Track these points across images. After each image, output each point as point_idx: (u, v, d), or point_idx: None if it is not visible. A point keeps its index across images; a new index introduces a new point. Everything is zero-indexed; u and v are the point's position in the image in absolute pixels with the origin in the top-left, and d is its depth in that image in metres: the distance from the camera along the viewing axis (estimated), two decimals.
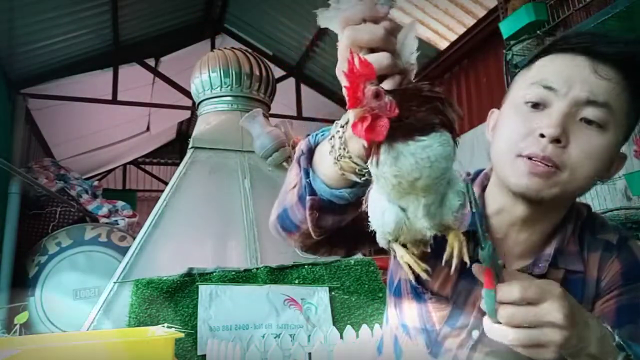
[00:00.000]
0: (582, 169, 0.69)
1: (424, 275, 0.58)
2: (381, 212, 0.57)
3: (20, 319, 1.92)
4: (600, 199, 1.97)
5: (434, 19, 4.39)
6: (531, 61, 0.78)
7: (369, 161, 0.51)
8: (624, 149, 0.79)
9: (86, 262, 3.46)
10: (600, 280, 0.78)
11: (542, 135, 0.68)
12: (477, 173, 0.91)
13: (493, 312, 0.56)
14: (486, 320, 0.60)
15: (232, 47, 3.19)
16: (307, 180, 0.64)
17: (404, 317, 0.88)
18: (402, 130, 0.48)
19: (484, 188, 0.86)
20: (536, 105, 0.72)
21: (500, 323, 0.57)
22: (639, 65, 0.70)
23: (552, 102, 0.70)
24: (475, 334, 0.80)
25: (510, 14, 2.22)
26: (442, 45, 4.60)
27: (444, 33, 4.50)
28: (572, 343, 0.56)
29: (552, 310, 0.55)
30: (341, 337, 2.06)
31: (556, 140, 0.68)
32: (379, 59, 0.50)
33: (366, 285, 2.53)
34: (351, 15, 0.51)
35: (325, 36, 5.23)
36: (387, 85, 0.51)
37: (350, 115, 0.47)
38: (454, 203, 0.53)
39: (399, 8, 4.40)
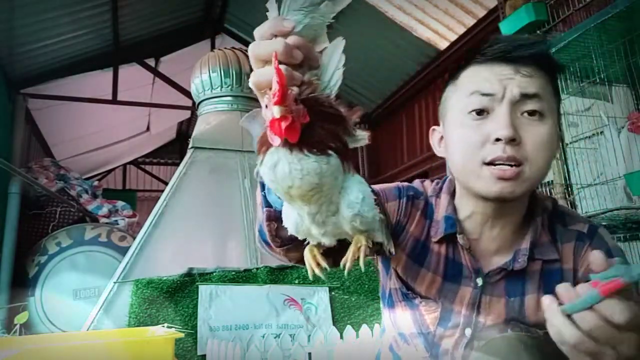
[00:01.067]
0: (540, 158, 0.75)
1: (319, 274, 0.61)
2: (285, 214, 0.61)
3: (20, 319, 1.93)
4: (600, 199, 1.97)
5: (434, 19, 4.39)
6: (454, 76, 0.83)
7: (258, 160, 0.55)
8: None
9: (86, 262, 3.46)
10: (577, 271, 0.81)
11: (498, 139, 0.73)
12: (444, 181, 0.93)
13: (578, 308, 0.54)
14: (554, 308, 0.58)
15: (232, 47, 3.19)
16: (263, 193, 0.68)
17: (400, 325, 0.90)
18: (301, 140, 0.52)
19: (452, 194, 0.89)
20: (480, 113, 0.77)
21: (570, 318, 0.55)
22: (550, 60, 0.79)
23: (494, 107, 0.76)
24: (468, 331, 0.82)
25: (510, 13, 2.22)
26: (442, 45, 4.60)
27: (444, 33, 4.50)
28: None
29: (625, 339, 0.54)
30: (341, 337, 2.06)
31: (512, 140, 0.73)
32: (268, 72, 0.52)
33: (366, 285, 2.53)
34: (260, 31, 0.53)
35: None
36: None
37: (275, 110, 0.49)
38: (346, 214, 0.56)
39: (399, 7, 4.40)
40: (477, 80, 0.78)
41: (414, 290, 0.87)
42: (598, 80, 1.97)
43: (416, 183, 0.95)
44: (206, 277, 2.34)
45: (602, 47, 1.90)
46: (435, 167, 4.81)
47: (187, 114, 7.17)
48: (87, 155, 6.77)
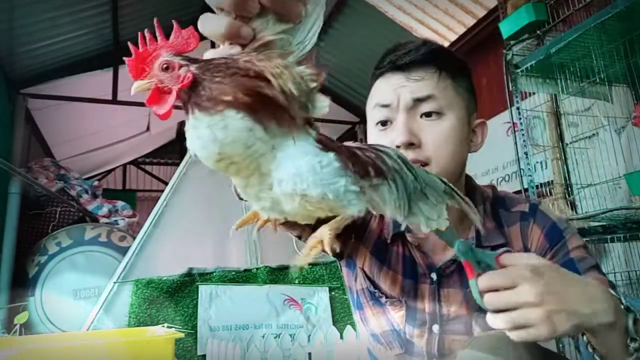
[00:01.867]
0: (443, 155, 0.79)
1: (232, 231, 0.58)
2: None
3: (20, 319, 1.93)
4: (601, 199, 1.97)
5: (434, 19, 4.39)
6: (368, 91, 0.88)
7: None
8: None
9: (86, 262, 3.45)
10: (528, 249, 0.82)
11: (398, 146, 0.78)
12: None
13: (480, 300, 0.57)
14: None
15: None
16: None
17: (372, 325, 0.91)
18: (192, 101, 0.45)
19: None
20: (385, 123, 0.82)
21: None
22: (440, 58, 0.82)
23: (393, 116, 0.81)
24: (436, 328, 0.84)
25: (510, 13, 2.22)
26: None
27: (444, 33, 4.50)
28: (561, 318, 0.55)
29: (524, 290, 0.55)
30: (341, 337, 2.06)
31: (410, 144, 0.78)
32: (216, 24, 0.49)
33: None
34: None
35: (325, 36, 5.23)
36: (227, 51, 0.48)
37: (133, 87, 0.46)
38: (279, 192, 0.47)
39: (399, 7, 4.40)
40: (376, 94, 0.84)
41: (380, 289, 0.88)
42: (598, 80, 1.97)
43: None
44: (206, 277, 2.34)
45: (602, 47, 1.90)
46: None
47: None
48: (87, 155, 6.76)
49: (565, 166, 2.32)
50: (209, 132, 0.44)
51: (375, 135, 0.84)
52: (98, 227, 3.71)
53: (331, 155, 0.48)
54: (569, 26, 1.95)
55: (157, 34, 0.47)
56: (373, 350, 0.94)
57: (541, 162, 3.03)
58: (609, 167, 1.96)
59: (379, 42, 5.00)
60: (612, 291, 0.64)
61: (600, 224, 1.84)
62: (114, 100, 5.26)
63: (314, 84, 0.47)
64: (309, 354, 1.96)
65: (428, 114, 0.80)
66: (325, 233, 0.52)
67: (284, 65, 0.46)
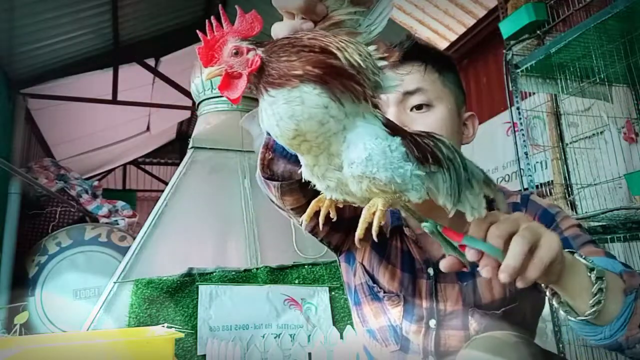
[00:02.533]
0: None
1: (304, 224, 0.58)
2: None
3: (20, 319, 1.93)
4: (601, 199, 1.97)
5: (434, 19, 4.39)
6: None
7: None
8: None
9: (86, 262, 3.45)
10: None
11: None
12: None
13: (494, 249, 0.53)
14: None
15: None
16: None
17: (369, 321, 0.92)
18: (263, 82, 0.46)
19: None
20: None
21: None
22: (425, 53, 0.84)
23: (384, 110, 0.82)
24: (433, 322, 0.84)
25: (510, 13, 2.22)
26: (442, 45, 4.60)
27: (444, 33, 4.50)
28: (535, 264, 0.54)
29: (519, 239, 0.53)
30: (341, 337, 2.06)
31: None
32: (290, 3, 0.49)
33: None
34: None
35: None
36: (298, 24, 0.49)
37: (205, 74, 0.47)
38: (348, 174, 0.47)
39: (399, 7, 4.40)
40: None
41: (379, 284, 0.89)
42: (598, 80, 1.97)
43: None
44: (206, 277, 2.34)
45: (602, 47, 1.90)
46: None
47: (187, 114, 7.17)
48: (87, 155, 6.76)
49: (565, 166, 2.32)
50: (286, 108, 0.44)
51: None
52: (98, 227, 3.71)
53: (398, 139, 0.48)
54: (569, 26, 1.95)
55: (223, 20, 0.49)
56: (369, 347, 0.95)
57: (541, 162, 3.03)
58: (609, 167, 1.96)
59: (378, 42, 4.99)
60: (606, 259, 0.66)
61: (600, 224, 1.84)
62: (114, 100, 5.27)
63: (382, 62, 0.48)
64: (309, 354, 1.96)
65: (418, 107, 0.82)
66: (378, 201, 0.50)
67: (349, 40, 0.47)
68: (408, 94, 0.81)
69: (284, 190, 0.74)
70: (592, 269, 0.58)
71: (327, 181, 0.50)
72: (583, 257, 0.60)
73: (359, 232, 0.49)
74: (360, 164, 0.46)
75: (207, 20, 0.49)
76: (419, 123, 0.81)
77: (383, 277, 0.88)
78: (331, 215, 0.55)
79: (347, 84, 0.45)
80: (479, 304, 0.82)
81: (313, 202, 0.56)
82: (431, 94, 0.82)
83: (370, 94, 0.47)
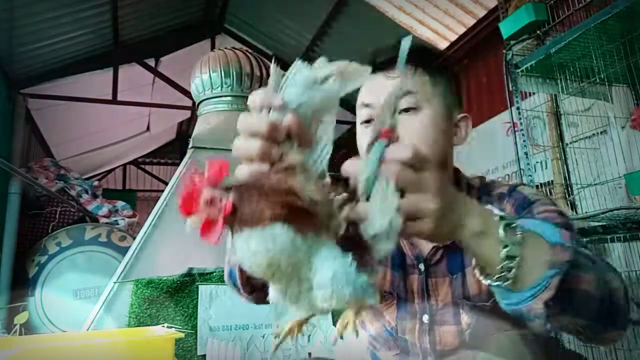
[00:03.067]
0: (424, 143, 0.81)
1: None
2: None
3: (20, 319, 1.93)
4: (601, 199, 1.97)
5: (434, 19, 4.39)
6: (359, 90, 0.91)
7: None
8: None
9: (86, 262, 3.46)
10: None
11: None
12: None
13: (374, 163, 0.54)
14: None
15: (233, 47, 3.19)
16: None
17: (367, 328, 0.93)
18: (237, 221, 0.51)
19: None
20: (368, 121, 0.86)
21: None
22: (412, 55, 0.79)
23: (374, 114, 0.83)
24: (426, 318, 0.85)
25: (511, 13, 2.22)
26: (442, 45, 4.60)
27: (444, 33, 4.50)
28: (442, 223, 0.54)
29: (429, 179, 0.54)
30: (341, 337, 2.06)
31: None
32: (248, 146, 0.54)
33: None
34: (252, 100, 0.56)
35: (325, 36, 5.23)
36: (253, 169, 0.54)
37: (187, 223, 0.51)
38: (317, 294, 0.54)
39: (399, 7, 4.40)
40: (362, 93, 0.88)
41: None
42: (598, 80, 1.97)
43: None
44: (206, 277, 2.34)
45: (602, 47, 1.90)
46: None
47: (187, 114, 7.16)
48: (87, 155, 6.76)
49: (565, 166, 2.32)
50: (260, 244, 0.50)
51: (360, 133, 0.88)
52: (98, 227, 3.71)
53: (349, 254, 0.53)
54: (569, 26, 1.95)
55: (198, 173, 0.52)
56: (374, 350, 0.95)
57: (541, 162, 3.03)
58: (609, 167, 1.96)
59: (379, 42, 4.98)
60: (546, 225, 0.64)
61: (600, 224, 1.84)
62: (114, 100, 5.27)
63: (332, 194, 0.54)
64: (309, 354, 1.97)
65: (406, 109, 0.82)
66: (350, 315, 0.58)
67: (307, 179, 0.53)
68: (397, 97, 0.82)
69: (261, 297, 0.77)
70: (509, 229, 0.55)
71: (300, 302, 0.56)
72: (504, 218, 0.57)
73: (335, 341, 0.57)
74: (327, 284, 0.52)
75: (189, 176, 0.52)
76: (405, 124, 0.81)
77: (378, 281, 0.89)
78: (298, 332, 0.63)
79: (310, 221, 0.51)
80: (468, 295, 0.83)
81: (286, 327, 0.64)
82: (420, 96, 0.83)
83: (328, 222, 0.53)
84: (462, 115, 0.90)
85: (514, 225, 0.56)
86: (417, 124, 0.82)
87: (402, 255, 0.89)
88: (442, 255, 0.85)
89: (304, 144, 0.55)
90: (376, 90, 0.85)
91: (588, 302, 0.59)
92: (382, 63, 0.85)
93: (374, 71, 0.84)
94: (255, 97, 0.55)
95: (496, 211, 0.59)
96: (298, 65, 0.55)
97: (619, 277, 0.65)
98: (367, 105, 0.86)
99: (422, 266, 0.86)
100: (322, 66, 0.56)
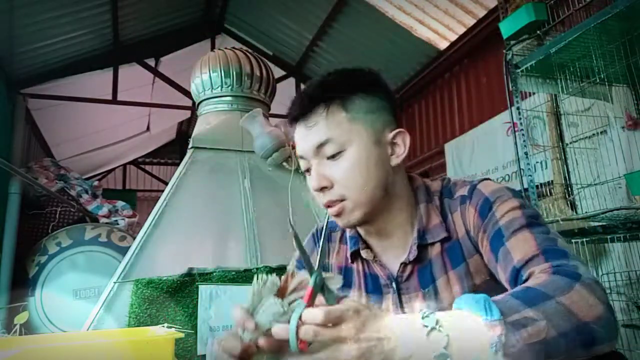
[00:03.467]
0: (353, 186, 0.81)
1: None
2: None
3: (20, 319, 1.92)
4: (601, 199, 1.97)
5: (434, 19, 4.39)
6: None
7: None
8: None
9: (86, 262, 3.46)
10: (469, 232, 0.82)
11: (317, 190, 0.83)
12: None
13: (294, 336, 0.57)
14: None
15: (233, 47, 3.19)
16: None
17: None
18: None
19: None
20: (308, 171, 0.86)
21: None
22: (328, 90, 0.84)
23: (309, 165, 0.85)
24: None
25: (511, 13, 2.22)
26: (442, 45, 4.60)
27: (444, 33, 4.50)
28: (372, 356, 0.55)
29: (346, 328, 0.55)
30: None
31: (322, 188, 0.82)
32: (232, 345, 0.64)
33: None
34: (227, 341, 0.65)
35: (325, 36, 5.23)
36: None
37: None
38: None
39: (399, 7, 4.40)
40: (296, 145, 0.87)
41: None
42: (598, 80, 1.97)
43: None
44: (206, 277, 2.34)
45: (602, 47, 1.90)
46: (435, 167, 4.82)
47: (187, 114, 7.17)
48: (87, 155, 6.77)
49: (565, 166, 2.32)
50: None
51: (307, 178, 0.87)
52: (98, 227, 3.71)
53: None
54: (569, 26, 1.95)
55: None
56: None
57: (541, 162, 3.04)
58: (609, 167, 1.96)
59: (379, 42, 5.00)
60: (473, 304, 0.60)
61: (600, 224, 1.84)
62: (114, 100, 5.27)
63: None
64: None
65: (331, 156, 0.82)
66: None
67: None
68: (319, 146, 0.82)
69: None
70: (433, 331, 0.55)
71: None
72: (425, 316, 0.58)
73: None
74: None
75: None
76: (335, 171, 0.81)
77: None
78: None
79: None
80: (443, 307, 0.82)
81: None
82: (340, 139, 0.81)
83: None
84: (396, 131, 0.86)
85: (439, 328, 0.56)
86: (344, 167, 0.81)
87: (375, 277, 0.90)
88: (412, 271, 0.86)
89: (276, 355, 0.63)
90: (301, 142, 0.85)
91: (550, 346, 0.57)
92: (300, 114, 0.84)
93: (296, 121, 0.85)
94: (237, 315, 0.63)
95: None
96: (270, 302, 0.63)
97: (591, 289, 0.62)
98: (302, 157, 0.86)
99: (394, 284, 0.87)
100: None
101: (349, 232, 0.95)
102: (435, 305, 0.81)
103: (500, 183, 0.86)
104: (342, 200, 0.82)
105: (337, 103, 0.82)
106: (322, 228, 0.98)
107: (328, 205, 0.83)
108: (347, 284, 0.94)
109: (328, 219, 0.90)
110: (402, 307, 0.87)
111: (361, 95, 0.84)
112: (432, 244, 0.84)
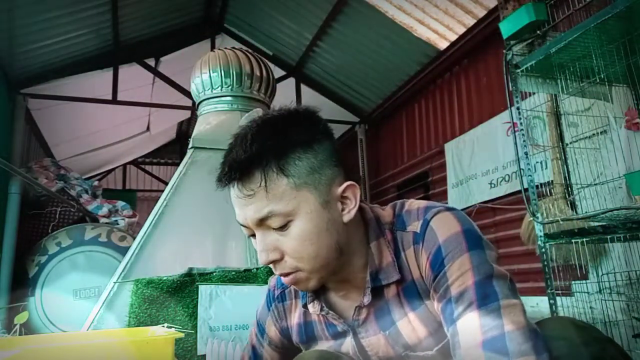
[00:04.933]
0: (305, 258, 0.74)
1: None
2: None
3: (20, 319, 1.92)
4: (601, 199, 1.97)
5: (434, 19, 4.39)
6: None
7: None
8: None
9: (86, 262, 3.46)
10: (423, 277, 0.76)
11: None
12: None
13: None
14: None
15: (233, 47, 3.19)
16: None
17: None
18: None
19: None
20: (253, 236, 0.77)
21: None
22: (261, 152, 0.72)
23: (251, 232, 0.77)
24: None
25: (510, 13, 2.22)
26: (442, 45, 4.60)
27: (444, 33, 4.50)
28: None
29: None
30: None
31: (273, 261, 0.75)
32: None
33: None
34: None
35: (325, 36, 5.22)
36: None
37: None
38: None
39: (399, 7, 4.40)
40: (235, 209, 0.78)
41: None
42: (598, 80, 1.97)
43: None
44: (206, 277, 2.34)
45: (602, 47, 1.90)
46: (435, 167, 4.82)
47: (187, 114, 7.17)
48: (87, 155, 6.77)
49: (565, 166, 2.32)
50: None
51: (253, 243, 0.80)
52: (98, 227, 3.71)
53: None
54: (569, 26, 1.95)
55: None
56: None
57: (541, 162, 3.04)
58: (609, 168, 1.96)
59: (379, 42, 5.00)
60: None
61: (600, 224, 1.84)
62: (114, 100, 5.27)
63: None
64: None
65: (278, 228, 0.73)
66: None
67: None
68: (261, 220, 0.73)
69: None
70: None
71: None
72: None
73: None
74: None
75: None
76: (284, 242, 0.73)
77: (322, 347, 0.89)
78: None
79: None
80: (408, 347, 0.80)
81: None
82: (285, 209, 0.71)
83: None
84: (344, 186, 0.76)
85: None
86: (293, 238, 0.73)
87: (334, 325, 0.86)
88: (368, 314, 0.81)
89: None
90: (240, 211, 0.76)
91: None
92: (233, 180, 0.74)
93: (228, 185, 0.76)
94: None
95: None
96: None
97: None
98: (243, 225, 0.77)
99: (351, 329, 0.84)
100: None
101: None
102: (401, 345, 0.80)
103: (457, 212, 0.77)
104: (298, 270, 0.75)
105: (274, 169, 0.71)
106: (274, 291, 0.96)
107: (281, 274, 0.77)
108: (310, 337, 0.91)
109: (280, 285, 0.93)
110: (362, 350, 0.83)
111: (300, 151, 0.73)
112: (387, 285, 0.79)
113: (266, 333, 0.97)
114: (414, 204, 0.82)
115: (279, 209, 0.71)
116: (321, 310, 0.84)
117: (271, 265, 0.76)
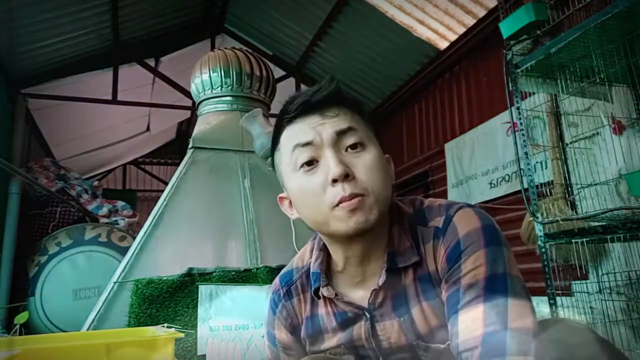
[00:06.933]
0: (376, 182, 0.76)
1: None
2: None
3: (20, 319, 1.92)
4: (601, 199, 1.97)
5: (434, 19, 4.39)
6: (276, 143, 0.85)
7: None
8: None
9: (86, 262, 3.46)
10: (438, 271, 0.78)
11: (335, 180, 0.74)
12: (314, 239, 0.94)
13: None
14: None
15: (233, 47, 3.19)
16: None
17: None
18: None
19: (324, 248, 0.89)
20: (310, 163, 0.78)
21: None
22: (346, 98, 0.82)
23: (318, 154, 0.77)
24: None
25: (511, 13, 2.22)
26: (442, 45, 4.60)
27: (444, 33, 4.50)
28: None
29: None
30: None
31: (346, 176, 0.74)
32: None
33: None
34: None
35: (325, 36, 5.23)
36: None
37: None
38: None
39: (399, 7, 4.40)
40: (293, 136, 0.80)
41: (324, 350, 0.89)
42: (598, 80, 1.97)
43: (293, 262, 0.97)
44: (206, 277, 2.34)
45: (602, 47, 1.90)
46: (435, 167, 4.82)
47: (187, 114, 7.17)
48: (87, 155, 6.77)
49: (565, 166, 2.32)
50: None
51: (301, 180, 0.79)
52: (98, 227, 3.71)
53: None
54: (569, 26, 1.95)
55: None
56: None
57: (541, 162, 3.03)
58: (609, 167, 1.96)
59: (379, 42, 5.00)
60: None
61: (600, 224, 1.84)
62: (114, 100, 5.27)
63: None
64: None
65: (353, 146, 0.77)
66: None
67: None
68: (341, 133, 0.77)
69: None
70: None
71: None
72: None
73: None
74: None
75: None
76: (357, 163, 0.76)
77: (329, 342, 0.88)
78: None
79: None
80: (420, 336, 0.81)
81: None
82: (362, 134, 0.79)
83: None
84: (387, 155, 0.85)
85: None
86: (368, 160, 0.77)
87: (343, 313, 0.86)
88: (385, 298, 0.82)
89: None
90: (315, 129, 0.78)
91: None
92: (318, 101, 0.79)
93: (306, 112, 0.79)
94: None
95: None
96: None
97: None
98: (306, 144, 0.78)
99: (367, 313, 0.83)
100: None
101: (312, 268, 0.89)
102: (413, 334, 0.80)
103: (479, 210, 0.79)
104: (363, 195, 0.75)
105: (353, 106, 0.81)
106: (280, 291, 0.95)
107: (344, 200, 0.74)
108: (316, 330, 0.90)
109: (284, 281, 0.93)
110: (376, 335, 0.83)
111: (366, 111, 0.85)
112: (404, 268, 0.80)
113: (277, 339, 0.96)
114: (434, 201, 0.85)
115: (359, 128, 0.79)
116: (335, 296, 0.85)
117: (337, 186, 0.74)
